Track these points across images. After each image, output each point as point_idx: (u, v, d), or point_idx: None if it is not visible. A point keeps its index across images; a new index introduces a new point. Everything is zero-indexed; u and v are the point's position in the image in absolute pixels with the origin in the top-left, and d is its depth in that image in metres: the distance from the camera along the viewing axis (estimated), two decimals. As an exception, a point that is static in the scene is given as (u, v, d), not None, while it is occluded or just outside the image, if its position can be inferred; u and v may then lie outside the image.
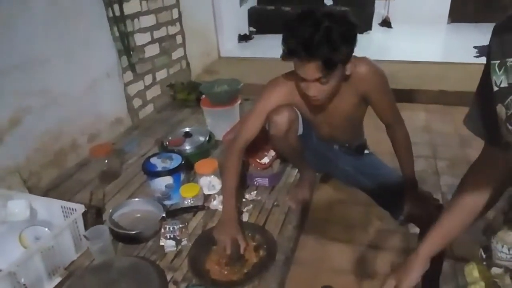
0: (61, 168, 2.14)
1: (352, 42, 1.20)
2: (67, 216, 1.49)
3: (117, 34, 2.52)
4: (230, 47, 4.50)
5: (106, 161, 1.97)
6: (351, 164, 1.65)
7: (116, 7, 2.47)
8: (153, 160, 1.75)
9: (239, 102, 2.29)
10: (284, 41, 1.22)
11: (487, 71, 0.71)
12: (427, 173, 2.32)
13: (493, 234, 0.79)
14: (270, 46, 4.66)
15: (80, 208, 1.46)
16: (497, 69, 0.68)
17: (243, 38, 4.86)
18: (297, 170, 1.93)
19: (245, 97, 2.47)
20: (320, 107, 1.44)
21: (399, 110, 1.46)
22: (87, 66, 2.30)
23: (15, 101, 1.86)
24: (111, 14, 2.45)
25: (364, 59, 1.35)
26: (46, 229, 1.45)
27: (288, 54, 1.21)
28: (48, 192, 1.94)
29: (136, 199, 1.72)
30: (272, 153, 1.87)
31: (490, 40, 0.71)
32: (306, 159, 1.75)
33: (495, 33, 0.70)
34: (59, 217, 1.51)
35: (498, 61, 0.67)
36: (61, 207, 1.51)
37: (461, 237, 0.87)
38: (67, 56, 2.14)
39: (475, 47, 4.14)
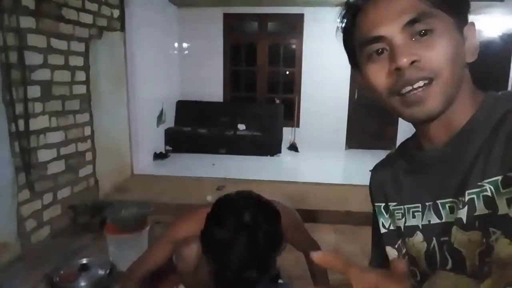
0: None
1: (282, 241, 1.20)
2: None
3: (17, 150, 2.34)
4: (145, 165, 4.43)
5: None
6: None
7: (21, 122, 2.35)
8: (37, 302, 1.47)
9: (148, 227, 2.15)
10: (217, 272, 1.18)
11: (374, 212, 0.73)
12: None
13: None
14: (186, 164, 4.73)
15: None
16: (383, 211, 0.70)
17: (158, 156, 4.87)
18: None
19: (157, 218, 2.34)
20: None
21: (311, 237, 1.50)
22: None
23: None
24: (14, 129, 2.30)
25: (274, 203, 1.39)
26: None
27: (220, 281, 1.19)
28: None
29: None
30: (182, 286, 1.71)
31: (371, 182, 0.74)
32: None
33: (374, 176, 0.74)
34: None
35: (383, 204, 0.70)
36: None
37: None
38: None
39: (370, 170, 4.66)
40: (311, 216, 3.27)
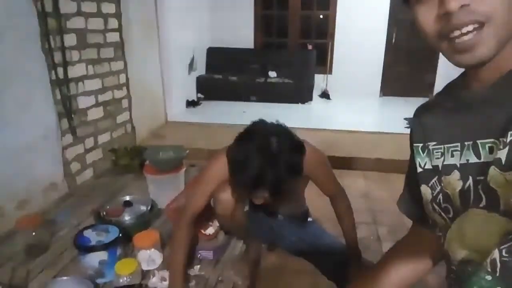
0: (-19, 239, 1.90)
1: (298, 169, 1.25)
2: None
3: (59, 96, 2.45)
4: (178, 112, 4.53)
5: (33, 233, 1.79)
6: (296, 234, 1.66)
7: (60, 70, 2.44)
8: (87, 233, 1.62)
9: (184, 169, 2.26)
10: (234, 177, 1.24)
11: (412, 153, 0.75)
12: (369, 240, 2.38)
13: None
14: (217, 112, 4.80)
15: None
16: (420, 151, 0.71)
17: (190, 103, 4.95)
18: (242, 242, 1.89)
19: (192, 162, 2.44)
20: None
21: (339, 182, 1.52)
22: (22, 127, 2.18)
23: None
24: (54, 77, 2.40)
25: (304, 142, 1.42)
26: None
27: (237, 187, 1.26)
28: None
29: (64, 277, 1.54)
30: (217, 222, 1.82)
31: (412, 123, 0.75)
32: (251, 231, 1.73)
33: (415, 116, 0.74)
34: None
35: (421, 144, 0.71)
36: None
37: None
38: (2, 115, 2.02)
39: (405, 118, 4.55)
40: (341, 162, 3.29)
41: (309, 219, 1.69)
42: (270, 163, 1.16)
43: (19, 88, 2.14)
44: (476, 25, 0.53)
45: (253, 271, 1.82)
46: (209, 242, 1.78)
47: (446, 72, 4.59)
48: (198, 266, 1.71)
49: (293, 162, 1.21)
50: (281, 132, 1.26)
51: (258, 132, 1.24)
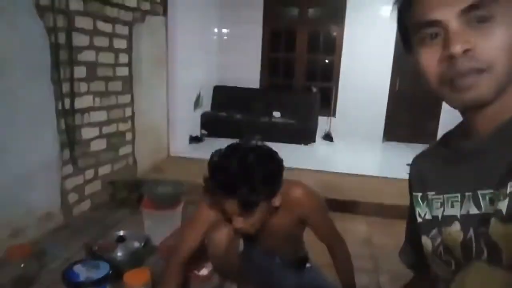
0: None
1: (273, 183, 1.24)
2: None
3: (63, 126, 2.47)
4: (181, 147, 4.54)
5: (22, 265, 1.73)
6: (293, 280, 1.59)
7: (67, 100, 2.47)
8: (77, 268, 1.57)
9: (181, 205, 2.23)
10: (210, 177, 1.24)
11: (411, 203, 0.74)
12: (369, 289, 2.28)
13: None
14: (220, 149, 4.81)
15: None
16: (420, 201, 0.70)
17: (194, 139, 4.97)
18: (236, 286, 1.81)
19: (191, 199, 2.41)
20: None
21: (337, 230, 1.47)
22: (24, 155, 2.18)
23: None
24: (60, 107, 2.43)
25: (298, 184, 1.39)
26: None
27: (209, 189, 1.24)
28: None
29: (49, 315, 1.48)
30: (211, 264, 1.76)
31: (410, 172, 0.74)
32: (246, 275, 1.66)
33: (414, 164, 0.74)
34: None
35: (420, 194, 0.70)
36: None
37: None
38: (4, 143, 2.03)
39: (408, 164, 4.52)
40: (343, 206, 3.24)
41: (308, 264, 1.63)
42: (245, 168, 1.16)
43: (25, 116, 2.16)
44: (477, 72, 0.54)
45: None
46: (202, 284, 1.71)
47: (448, 119, 4.62)
48: (190, 309, 1.63)
49: (268, 173, 1.20)
50: (262, 147, 1.29)
51: (239, 143, 1.28)
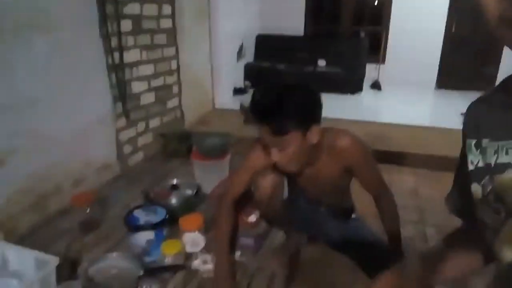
0: (41, 213, 2.06)
1: (305, 113, 1.24)
2: (40, 268, 1.41)
3: (114, 81, 2.56)
4: (225, 100, 4.59)
5: (88, 210, 1.91)
6: (337, 228, 1.63)
7: (116, 55, 2.54)
8: (137, 213, 1.70)
9: (229, 156, 2.29)
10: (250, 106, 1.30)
11: (464, 149, 0.71)
12: (416, 240, 2.28)
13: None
14: (264, 100, 4.80)
15: (54, 261, 1.39)
16: (473, 148, 0.68)
17: (238, 91, 4.98)
18: (283, 232, 1.89)
19: (237, 150, 2.47)
20: (302, 173, 1.43)
21: (384, 181, 1.45)
22: (81, 111, 2.31)
23: (3, 141, 1.83)
24: (110, 62, 2.51)
25: (345, 132, 1.37)
26: (16, 282, 1.38)
27: (248, 120, 1.30)
28: (24, 238, 1.86)
29: (114, 254, 1.64)
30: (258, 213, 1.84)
31: (465, 118, 0.71)
32: (291, 222, 1.72)
33: (469, 111, 0.71)
34: (31, 268, 1.43)
35: (475, 141, 0.67)
36: (35, 258, 1.44)
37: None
38: (62, 100, 2.15)
39: (462, 114, 4.28)
40: (390, 157, 3.17)
41: (353, 215, 1.65)
42: (278, 95, 1.22)
43: (78, 72, 2.26)
44: None
45: (292, 262, 1.83)
46: (251, 230, 1.80)
47: (509, 64, 4.24)
48: (239, 252, 1.74)
49: (299, 101, 1.23)
50: (301, 83, 1.33)
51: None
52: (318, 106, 1.28)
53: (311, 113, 1.26)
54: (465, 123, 0.71)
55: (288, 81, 1.31)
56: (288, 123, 1.22)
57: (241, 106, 3.92)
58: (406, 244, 1.47)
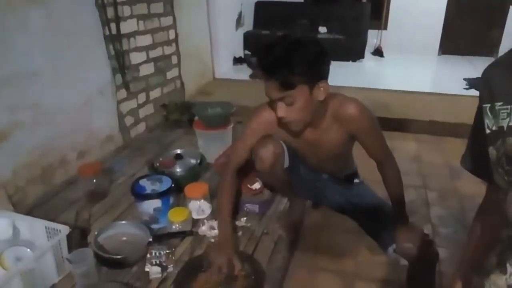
0: (48, 184, 2.09)
1: (312, 66, 1.22)
2: (51, 237, 1.45)
3: (112, 52, 2.53)
4: (225, 69, 4.54)
5: (94, 180, 1.93)
6: (340, 193, 1.64)
7: (113, 26, 2.49)
8: (142, 182, 1.72)
9: (231, 125, 2.29)
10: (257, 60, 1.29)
11: (480, 114, 0.72)
12: (417, 204, 2.32)
13: (486, 277, 0.78)
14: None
15: (65, 230, 1.42)
16: (488, 113, 0.69)
17: (238, 60, 4.92)
18: (287, 198, 1.92)
19: (239, 119, 2.46)
20: (305, 138, 1.43)
21: (388, 147, 1.46)
22: (81, 83, 2.29)
23: (5, 115, 1.84)
24: (107, 33, 2.46)
25: (352, 99, 1.36)
26: (28, 250, 1.42)
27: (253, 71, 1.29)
28: (33, 209, 1.89)
29: (123, 221, 1.68)
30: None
31: (480, 83, 0.72)
32: (294, 189, 1.74)
33: (484, 76, 0.71)
34: (42, 237, 1.47)
35: (489, 105, 0.68)
36: (45, 227, 1.47)
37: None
38: (62, 73, 2.13)
39: (465, 79, 4.24)
40: (393, 124, 3.17)
41: (356, 180, 1.66)
42: (284, 48, 1.21)
43: (76, 44, 2.22)
44: None
45: (296, 227, 1.87)
46: (255, 196, 1.83)
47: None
48: (245, 218, 1.77)
49: (306, 54, 1.21)
50: (308, 36, 1.31)
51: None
52: (326, 61, 1.26)
53: (318, 67, 1.25)
54: (480, 88, 0.71)
55: (296, 35, 1.26)
56: (295, 77, 1.21)
57: (249, 61, 3.90)
58: (408, 208, 1.49)
